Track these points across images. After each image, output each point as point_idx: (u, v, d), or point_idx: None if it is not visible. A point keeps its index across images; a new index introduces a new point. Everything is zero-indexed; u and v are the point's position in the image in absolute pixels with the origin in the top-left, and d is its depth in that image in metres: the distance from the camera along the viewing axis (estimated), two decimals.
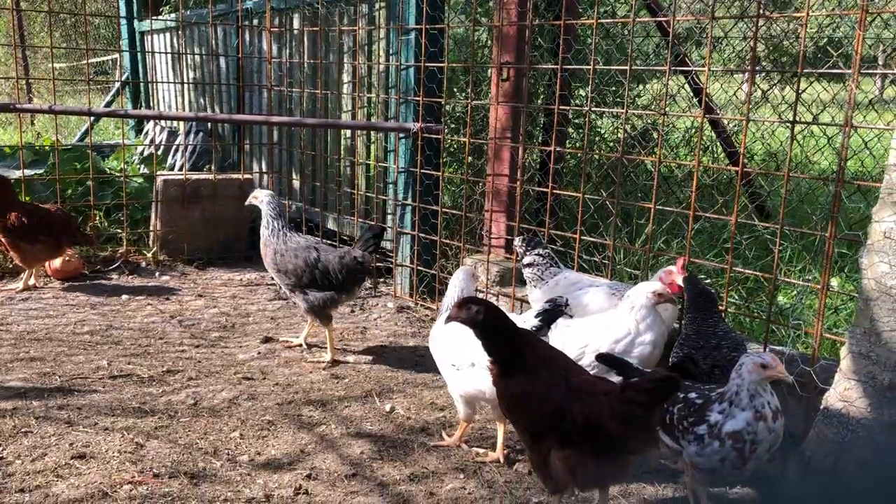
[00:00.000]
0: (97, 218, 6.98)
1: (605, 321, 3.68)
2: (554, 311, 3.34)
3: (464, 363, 3.46)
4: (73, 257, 6.23)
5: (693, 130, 6.87)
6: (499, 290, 5.21)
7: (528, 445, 2.89)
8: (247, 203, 5.03)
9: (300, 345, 4.92)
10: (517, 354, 2.85)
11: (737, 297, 5.13)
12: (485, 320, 2.87)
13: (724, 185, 6.65)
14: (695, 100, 6.22)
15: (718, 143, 6.59)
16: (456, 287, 3.76)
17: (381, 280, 6.39)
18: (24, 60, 15.18)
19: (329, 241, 5.02)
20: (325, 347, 4.75)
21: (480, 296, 4.65)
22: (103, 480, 3.19)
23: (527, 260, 4.42)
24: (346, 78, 6.63)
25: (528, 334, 3.01)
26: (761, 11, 4.28)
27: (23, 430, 3.60)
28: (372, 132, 6.39)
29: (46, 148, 7.62)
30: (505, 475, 3.40)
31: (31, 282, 5.90)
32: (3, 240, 5.72)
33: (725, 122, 6.23)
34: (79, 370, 4.36)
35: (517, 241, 4.55)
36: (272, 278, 5.25)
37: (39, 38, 20.70)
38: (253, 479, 3.27)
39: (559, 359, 2.93)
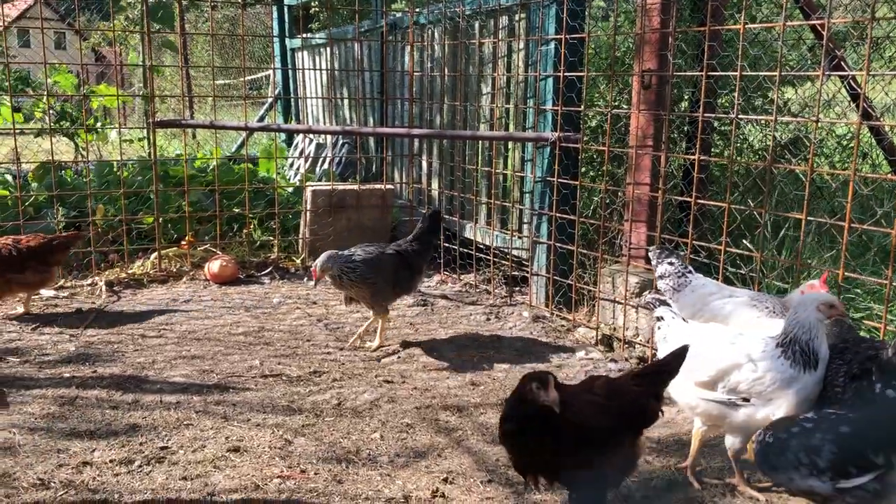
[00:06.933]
0: (252, 226, 7.42)
1: None
2: None
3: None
4: (230, 263, 6.66)
5: (849, 137, 6.48)
6: (638, 302, 5.11)
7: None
8: None
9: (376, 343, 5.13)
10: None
11: None
12: None
13: (887, 195, 6.22)
14: (852, 105, 5.86)
15: (879, 151, 6.18)
16: None
17: (517, 289, 6.43)
18: (188, 79, 16.33)
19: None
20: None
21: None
22: (255, 473, 3.40)
23: (659, 270, 4.28)
24: (484, 89, 6.73)
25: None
26: None
27: (185, 422, 3.90)
28: (509, 142, 6.45)
29: (206, 158, 8.19)
30: (640, 490, 3.35)
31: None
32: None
33: (887, 128, 5.84)
34: (234, 369, 4.66)
35: (651, 253, 4.44)
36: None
37: (199, 56, 22.25)
38: (392, 479, 3.38)
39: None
